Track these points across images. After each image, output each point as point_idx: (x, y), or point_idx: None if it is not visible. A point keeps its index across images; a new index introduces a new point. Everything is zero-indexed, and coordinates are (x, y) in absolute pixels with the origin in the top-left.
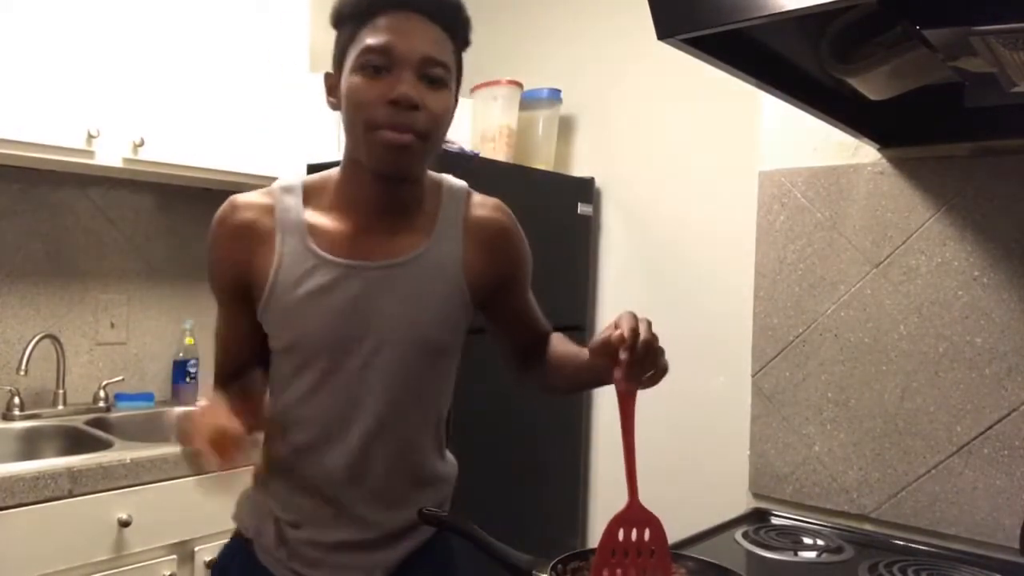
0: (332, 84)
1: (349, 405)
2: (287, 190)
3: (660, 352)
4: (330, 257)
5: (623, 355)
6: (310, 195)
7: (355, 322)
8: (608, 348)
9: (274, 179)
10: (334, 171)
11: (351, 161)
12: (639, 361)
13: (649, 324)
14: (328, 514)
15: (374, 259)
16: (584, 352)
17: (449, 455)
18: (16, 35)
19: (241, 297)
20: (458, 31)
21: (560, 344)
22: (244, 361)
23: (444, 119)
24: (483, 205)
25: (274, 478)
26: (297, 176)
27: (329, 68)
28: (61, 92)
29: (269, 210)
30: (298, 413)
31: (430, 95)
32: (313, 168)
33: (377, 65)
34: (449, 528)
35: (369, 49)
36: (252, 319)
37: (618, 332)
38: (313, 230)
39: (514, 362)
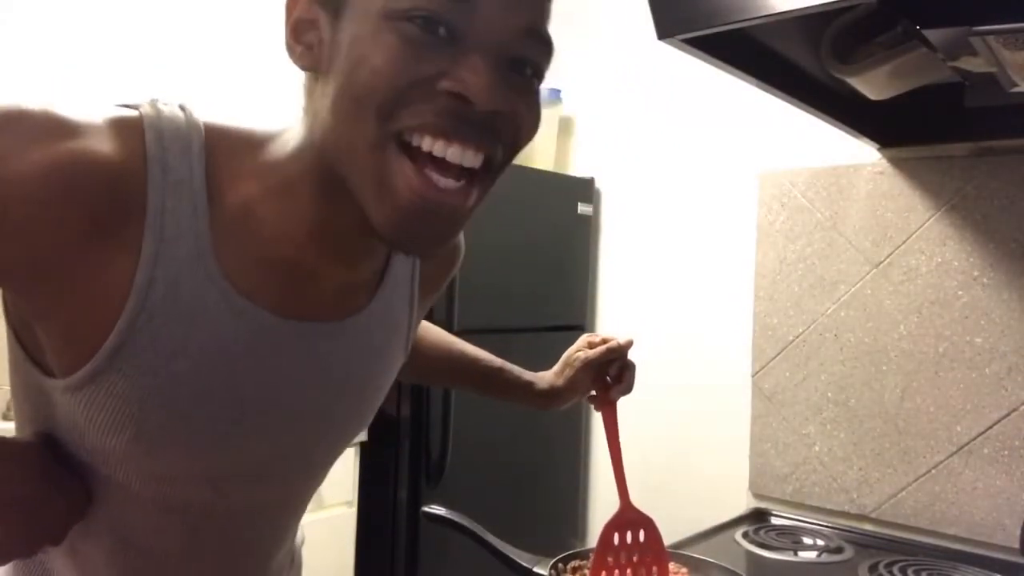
0: (305, 18)
1: (231, 539)
2: (173, 138)
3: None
4: (244, 302)
5: (615, 367)
6: (217, 163)
7: (278, 417)
8: (615, 353)
9: None
10: (272, 142)
11: (323, 171)
12: (629, 376)
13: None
14: None
15: (309, 318)
16: (501, 369)
17: None
18: (16, 35)
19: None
20: None
21: (458, 343)
22: None
23: (527, 141)
24: None
25: None
26: (190, 113)
27: None
28: (60, 91)
29: (136, 172)
30: (129, 544)
31: (517, 97)
32: None
33: (439, 21)
34: (452, 526)
35: None
36: None
37: (627, 340)
38: (220, 243)
39: None
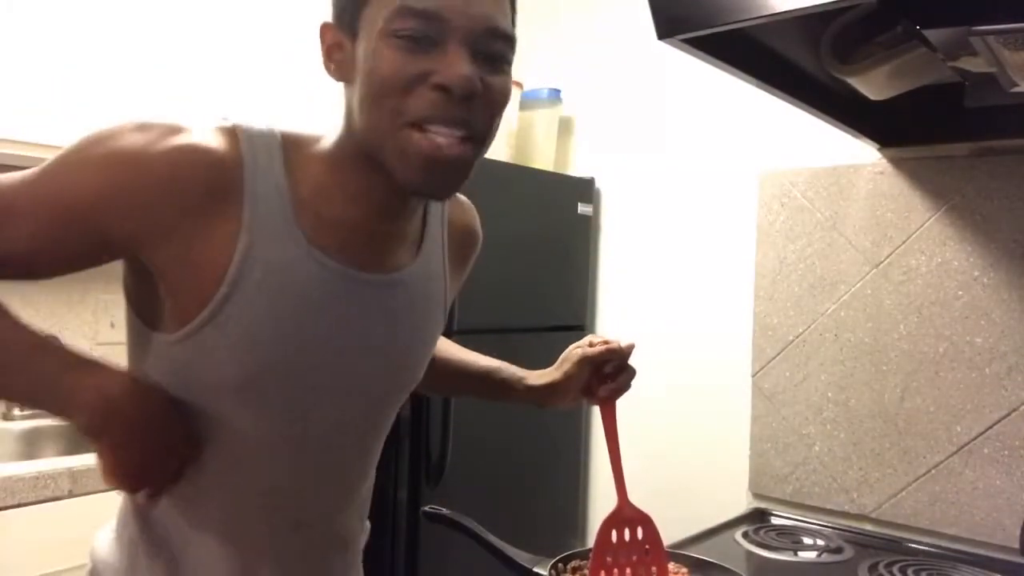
0: (335, 43)
1: (317, 475)
2: (259, 140)
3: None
4: (323, 257)
5: (609, 366)
6: (290, 157)
7: (348, 357)
8: (614, 354)
9: None
10: (324, 139)
11: (362, 153)
12: (624, 378)
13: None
14: None
15: (368, 270)
16: (516, 381)
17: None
18: (16, 35)
19: (102, 253)
20: None
21: (455, 348)
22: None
23: (502, 112)
24: (459, 205)
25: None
26: (268, 121)
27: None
28: (61, 92)
29: (235, 163)
30: (235, 490)
31: (489, 79)
32: None
33: (420, 36)
34: (452, 526)
35: (410, 11)
36: (75, 265)
37: (629, 344)
38: (299, 213)
39: None
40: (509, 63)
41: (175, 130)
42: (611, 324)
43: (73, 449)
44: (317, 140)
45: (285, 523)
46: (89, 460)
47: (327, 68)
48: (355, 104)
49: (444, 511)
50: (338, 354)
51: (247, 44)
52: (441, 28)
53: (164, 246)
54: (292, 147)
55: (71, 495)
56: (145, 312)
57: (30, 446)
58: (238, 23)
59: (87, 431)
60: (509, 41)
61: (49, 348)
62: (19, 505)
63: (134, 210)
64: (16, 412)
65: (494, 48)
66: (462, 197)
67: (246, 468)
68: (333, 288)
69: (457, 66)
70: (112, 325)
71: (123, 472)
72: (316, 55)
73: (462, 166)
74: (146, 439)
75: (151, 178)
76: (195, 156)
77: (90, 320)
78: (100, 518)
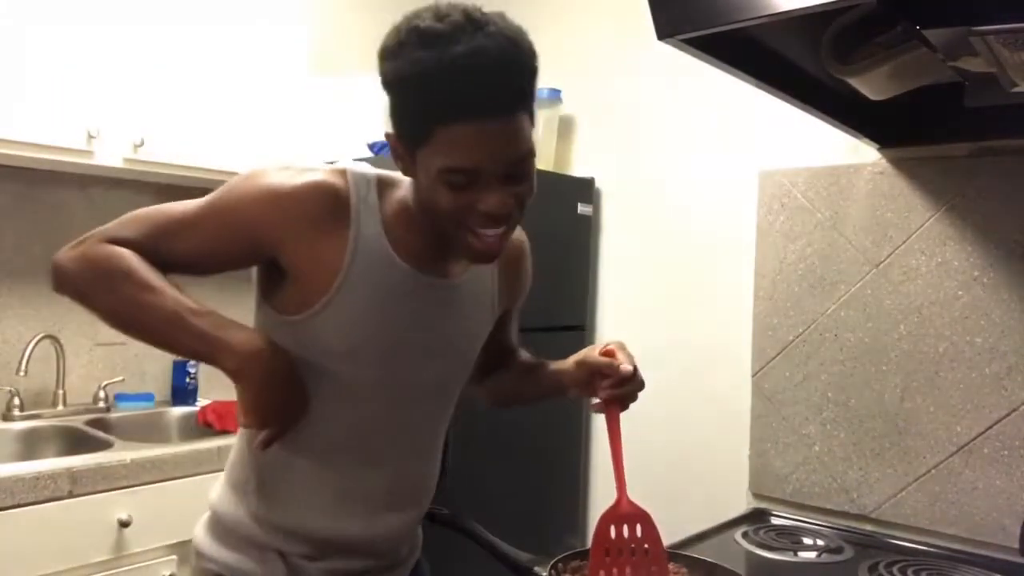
0: (398, 151)
1: (396, 424)
2: (361, 179)
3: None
4: (402, 263)
5: (607, 382)
6: (381, 193)
7: (418, 336)
8: (610, 371)
9: None
10: (403, 186)
11: (429, 219)
12: (632, 392)
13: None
14: (356, 539)
15: (436, 275)
16: (547, 367)
17: None
18: (16, 35)
19: (253, 257)
20: (534, 100)
21: (524, 360)
22: (178, 271)
23: (531, 196)
24: None
25: (276, 506)
26: (366, 166)
27: (324, 68)
28: (61, 92)
29: (346, 194)
30: (335, 429)
31: (519, 188)
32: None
33: (464, 182)
34: (452, 526)
35: (453, 170)
36: (233, 266)
37: (628, 367)
38: (387, 228)
39: (475, 374)
40: (534, 165)
41: (306, 170)
42: (611, 324)
43: (73, 449)
44: (399, 184)
45: (370, 459)
46: (89, 460)
47: (395, 162)
48: (420, 197)
49: (444, 511)
50: (412, 328)
51: (247, 44)
52: (478, 174)
53: (299, 249)
54: (383, 186)
55: (71, 495)
56: (273, 301)
57: (30, 446)
58: (235, 20)
59: (235, 374)
60: (531, 155)
61: (205, 311)
62: (19, 505)
63: (280, 224)
64: (16, 412)
65: (521, 169)
66: None
67: (344, 409)
68: (409, 285)
69: (495, 198)
70: None
71: (257, 409)
72: (311, 54)
73: (502, 242)
74: (279, 384)
75: (292, 203)
76: (320, 188)
77: (90, 320)
78: (100, 518)
